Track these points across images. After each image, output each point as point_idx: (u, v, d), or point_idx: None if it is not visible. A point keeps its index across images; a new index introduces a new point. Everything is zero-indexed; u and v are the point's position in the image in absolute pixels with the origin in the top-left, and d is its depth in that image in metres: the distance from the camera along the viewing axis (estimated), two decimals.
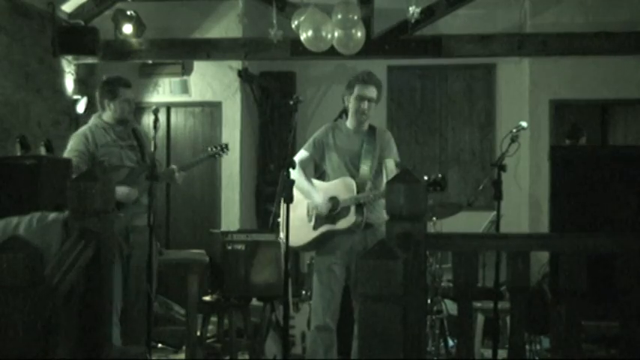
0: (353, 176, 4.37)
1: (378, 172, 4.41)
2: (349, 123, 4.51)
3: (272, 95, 8.27)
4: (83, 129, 4.77)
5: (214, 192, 7.85)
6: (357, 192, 4.30)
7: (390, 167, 4.32)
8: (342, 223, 4.32)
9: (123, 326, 4.56)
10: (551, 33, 6.87)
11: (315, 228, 4.40)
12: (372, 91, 4.38)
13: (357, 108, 4.39)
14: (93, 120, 4.82)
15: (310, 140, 4.54)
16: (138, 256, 4.58)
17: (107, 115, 4.76)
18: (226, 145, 5.30)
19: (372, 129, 4.50)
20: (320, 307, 4.36)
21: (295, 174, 4.34)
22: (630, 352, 2.77)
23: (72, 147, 4.67)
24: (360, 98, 4.37)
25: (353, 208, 4.29)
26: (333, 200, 4.36)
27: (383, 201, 4.30)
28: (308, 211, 4.45)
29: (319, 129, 4.60)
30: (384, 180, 4.27)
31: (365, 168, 4.37)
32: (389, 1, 6.69)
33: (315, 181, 4.54)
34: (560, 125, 7.55)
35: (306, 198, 4.45)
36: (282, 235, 4.45)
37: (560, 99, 7.63)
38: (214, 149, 5.23)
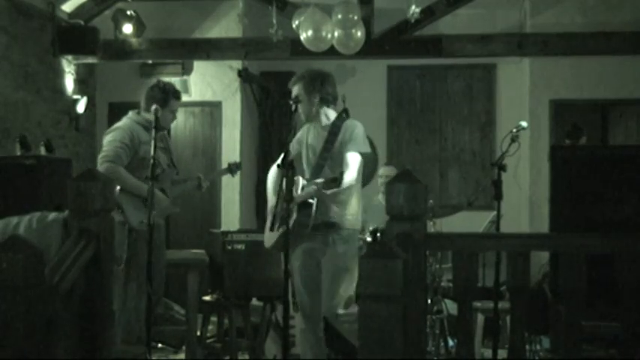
0: (308, 172, 4.30)
1: (336, 167, 4.18)
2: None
3: (272, 95, 8.27)
4: (127, 124, 4.75)
5: (214, 192, 7.84)
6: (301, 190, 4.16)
7: (347, 160, 4.16)
8: (290, 223, 4.08)
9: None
10: (551, 33, 6.87)
11: (277, 229, 4.19)
12: (294, 91, 4.34)
13: None
14: (133, 116, 4.81)
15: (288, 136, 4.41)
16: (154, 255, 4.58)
17: (150, 116, 4.76)
18: (240, 164, 5.49)
19: (340, 122, 4.31)
20: (298, 309, 4.26)
21: (271, 171, 4.41)
22: (630, 352, 2.77)
23: (116, 138, 4.64)
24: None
25: (295, 208, 4.09)
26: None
27: (353, 200, 4.23)
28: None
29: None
30: (345, 174, 4.06)
31: (318, 164, 4.23)
32: (389, 1, 6.70)
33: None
34: (560, 125, 7.54)
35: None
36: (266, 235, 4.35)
37: (560, 99, 7.63)
38: (232, 166, 5.38)
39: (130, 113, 4.85)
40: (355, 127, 4.25)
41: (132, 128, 4.70)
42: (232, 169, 5.36)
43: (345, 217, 4.23)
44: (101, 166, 4.51)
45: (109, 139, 4.68)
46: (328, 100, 4.36)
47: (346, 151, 4.19)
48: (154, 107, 4.59)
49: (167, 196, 4.79)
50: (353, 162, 4.15)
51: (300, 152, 4.44)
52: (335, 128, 4.26)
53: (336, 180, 3.93)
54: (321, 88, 4.33)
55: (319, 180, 4.02)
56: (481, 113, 8.30)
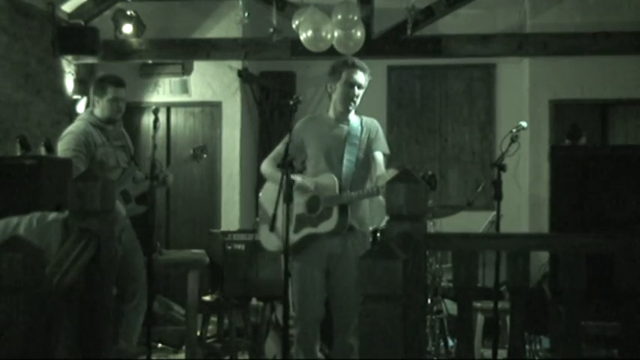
0: (335, 170, 4.05)
1: (364, 165, 4.10)
2: (332, 112, 4.19)
3: (272, 95, 8.26)
4: (80, 127, 4.63)
5: (214, 192, 7.85)
6: (340, 191, 3.96)
7: (379, 160, 4.07)
8: (324, 226, 3.97)
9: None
10: (551, 33, 6.87)
11: (295, 232, 3.96)
12: (361, 77, 4.07)
13: (347, 94, 4.07)
14: (86, 117, 4.71)
15: (287, 134, 4.10)
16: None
17: (98, 113, 4.69)
18: (205, 147, 5.23)
19: (357, 117, 4.19)
20: (300, 315, 4.07)
21: (265, 167, 4.22)
22: (630, 352, 2.77)
23: (70, 146, 4.53)
24: (350, 84, 4.06)
25: (336, 210, 3.94)
26: (314, 199, 4.02)
27: (366, 201, 4.11)
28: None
29: (297, 122, 4.28)
30: (373, 174, 4.05)
31: (348, 161, 4.05)
32: (389, 1, 6.70)
33: (298, 177, 4.09)
34: (560, 125, 7.54)
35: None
36: (261, 235, 4.21)
37: (560, 99, 7.62)
38: (197, 151, 5.15)
39: (84, 113, 4.77)
40: (378, 127, 4.22)
41: (86, 132, 4.57)
42: (197, 154, 5.10)
43: (364, 219, 4.14)
44: None
45: (62, 148, 4.55)
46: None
47: (374, 149, 4.12)
48: (154, 108, 4.57)
49: (130, 195, 4.64)
50: (381, 162, 4.10)
51: (300, 148, 4.18)
52: (359, 122, 4.18)
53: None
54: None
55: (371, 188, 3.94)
56: (481, 113, 8.30)
